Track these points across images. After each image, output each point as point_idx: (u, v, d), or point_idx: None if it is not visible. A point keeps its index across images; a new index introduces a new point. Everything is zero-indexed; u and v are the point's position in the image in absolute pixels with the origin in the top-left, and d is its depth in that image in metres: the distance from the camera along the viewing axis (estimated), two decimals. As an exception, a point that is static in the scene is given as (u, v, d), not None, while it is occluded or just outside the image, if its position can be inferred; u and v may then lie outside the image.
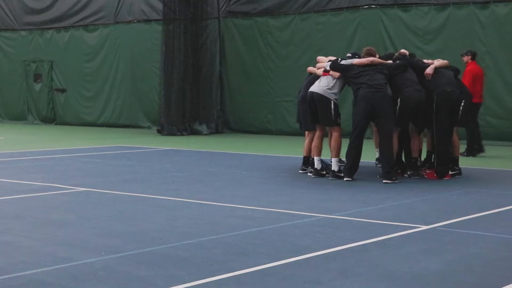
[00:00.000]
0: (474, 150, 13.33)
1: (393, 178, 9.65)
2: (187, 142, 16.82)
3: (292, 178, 10.28)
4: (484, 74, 15.84)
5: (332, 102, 9.95)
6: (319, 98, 9.96)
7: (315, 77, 10.41)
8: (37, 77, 24.38)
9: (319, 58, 10.98)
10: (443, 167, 10.10)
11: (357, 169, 9.97)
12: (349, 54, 10.59)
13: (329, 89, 9.99)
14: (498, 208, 7.76)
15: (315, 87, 10.08)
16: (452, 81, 10.26)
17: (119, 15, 22.31)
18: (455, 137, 10.54)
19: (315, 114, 10.12)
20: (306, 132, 10.72)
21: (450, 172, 10.23)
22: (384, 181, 9.63)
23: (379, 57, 10.41)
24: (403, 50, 10.93)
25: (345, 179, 9.83)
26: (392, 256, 5.58)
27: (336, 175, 9.96)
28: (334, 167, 10.02)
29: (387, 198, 8.45)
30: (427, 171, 10.33)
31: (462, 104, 10.18)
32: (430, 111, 10.12)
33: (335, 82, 10.03)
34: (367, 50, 10.44)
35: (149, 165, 11.97)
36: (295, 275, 5.02)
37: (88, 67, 23.04)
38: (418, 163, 10.52)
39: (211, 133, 19.59)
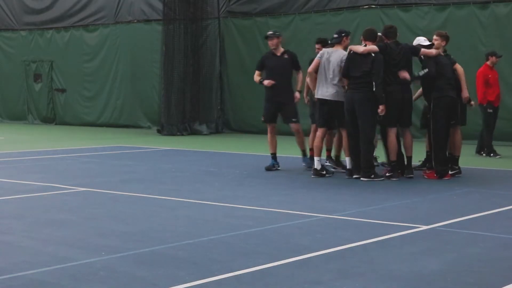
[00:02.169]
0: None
1: (372, 176, 9.76)
2: (187, 142, 16.81)
3: (292, 178, 10.28)
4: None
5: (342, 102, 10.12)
6: (334, 104, 10.08)
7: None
8: (37, 77, 24.37)
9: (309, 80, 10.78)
10: (442, 167, 10.08)
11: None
12: (335, 35, 10.34)
13: (337, 92, 10.08)
14: (498, 208, 7.76)
15: (328, 95, 10.10)
16: (451, 83, 10.17)
17: (119, 15, 22.30)
18: (458, 136, 10.51)
19: (326, 117, 10.17)
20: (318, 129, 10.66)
21: (450, 172, 10.22)
22: (361, 178, 9.79)
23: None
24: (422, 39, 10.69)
25: (353, 176, 9.99)
26: (392, 256, 5.59)
27: (351, 173, 10.08)
28: (349, 165, 10.15)
29: (387, 198, 8.45)
30: (427, 171, 10.32)
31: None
32: (427, 111, 10.13)
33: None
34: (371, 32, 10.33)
35: (149, 165, 11.97)
36: (295, 275, 5.02)
37: (88, 67, 23.03)
38: (419, 162, 10.51)
39: (211, 133, 19.58)
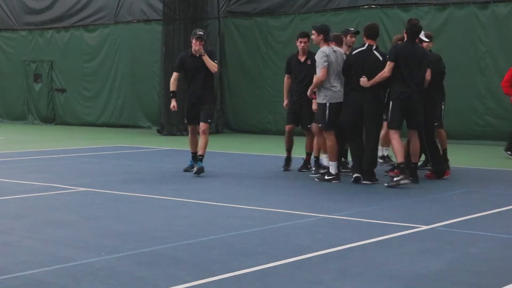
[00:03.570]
0: None
1: (373, 179, 9.54)
2: (187, 142, 16.75)
3: (292, 178, 10.28)
4: (484, 74, 15.89)
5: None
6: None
7: None
8: (37, 77, 24.37)
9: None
10: (439, 166, 10.04)
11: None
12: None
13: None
14: (498, 208, 7.76)
15: (340, 97, 9.79)
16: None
17: (119, 15, 22.30)
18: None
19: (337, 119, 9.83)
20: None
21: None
22: (364, 182, 9.50)
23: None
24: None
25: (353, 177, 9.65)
26: (392, 256, 5.59)
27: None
28: (335, 170, 9.86)
29: (387, 198, 8.45)
30: (427, 172, 10.30)
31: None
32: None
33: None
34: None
35: (149, 165, 11.97)
36: (295, 275, 5.02)
37: (88, 67, 23.04)
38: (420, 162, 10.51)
39: (211, 133, 19.47)
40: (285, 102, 11.00)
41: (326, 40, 9.80)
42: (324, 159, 10.14)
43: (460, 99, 15.57)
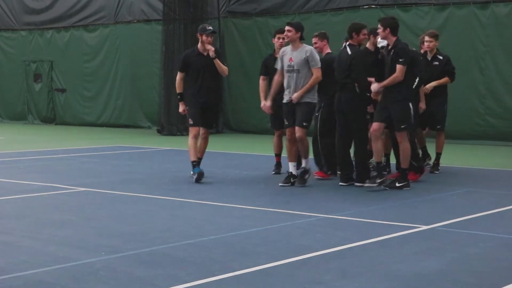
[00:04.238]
0: None
1: (367, 181, 9.36)
2: (187, 142, 16.76)
3: (292, 178, 10.26)
4: (484, 74, 15.89)
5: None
6: None
7: None
8: (37, 77, 24.37)
9: None
10: (421, 162, 10.01)
11: (351, 172, 9.56)
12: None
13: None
14: (498, 208, 7.76)
15: None
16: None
17: (119, 15, 22.30)
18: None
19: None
20: None
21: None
22: (356, 184, 9.36)
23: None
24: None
25: (340, 183, 9.49)
26: (392, 256, 5.59)
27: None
28: (293, 170, 9.60)
29: (387, 198, 8.45)
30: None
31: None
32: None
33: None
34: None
35: (149, 165, 11.97)
36: (295, 275, 5.02)
37: (88, 67, 23.03)
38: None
39: (211, 133, 19.46)
40: (262, 103, 10.48)
41: (301, 39, 9.49)
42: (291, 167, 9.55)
43: (460, 99, 15.54)
